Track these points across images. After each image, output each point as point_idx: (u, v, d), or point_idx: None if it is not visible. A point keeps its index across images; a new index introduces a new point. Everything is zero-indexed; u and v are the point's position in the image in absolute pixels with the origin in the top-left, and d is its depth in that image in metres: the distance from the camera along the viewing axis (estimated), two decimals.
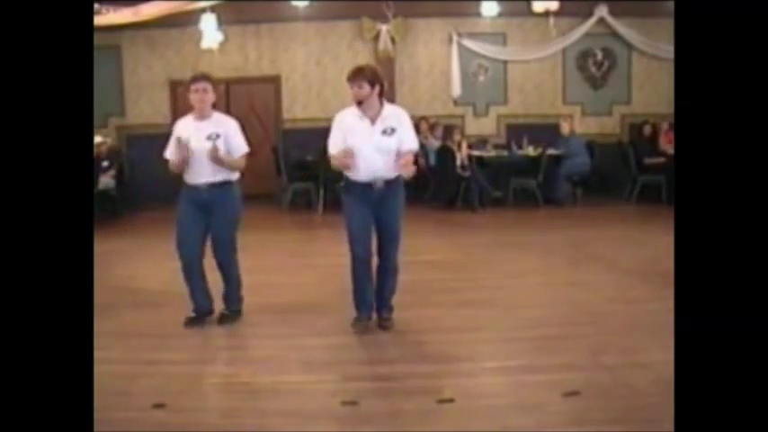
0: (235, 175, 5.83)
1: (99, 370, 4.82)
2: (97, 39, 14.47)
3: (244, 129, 5.89)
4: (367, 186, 5.38)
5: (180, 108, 13.86)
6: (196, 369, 4.89)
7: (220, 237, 5.76)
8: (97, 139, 12.47)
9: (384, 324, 5.61)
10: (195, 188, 5.69)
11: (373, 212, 5.43)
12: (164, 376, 4.73)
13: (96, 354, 5.15)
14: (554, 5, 11.54)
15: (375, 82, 5.32)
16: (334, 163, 5.46)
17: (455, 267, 7.91)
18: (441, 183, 12.40)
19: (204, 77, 5.73)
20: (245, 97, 13.93)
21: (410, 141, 5.46)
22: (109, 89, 13.75)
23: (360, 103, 5.32)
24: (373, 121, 5.35)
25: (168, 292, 6.58)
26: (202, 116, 5.69)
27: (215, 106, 5.79)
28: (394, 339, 5.39)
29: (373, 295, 5.61)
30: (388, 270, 5.58)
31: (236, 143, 5.78)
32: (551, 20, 12.39)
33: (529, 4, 11.78)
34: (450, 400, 4.19)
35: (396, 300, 5.70)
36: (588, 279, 7.04)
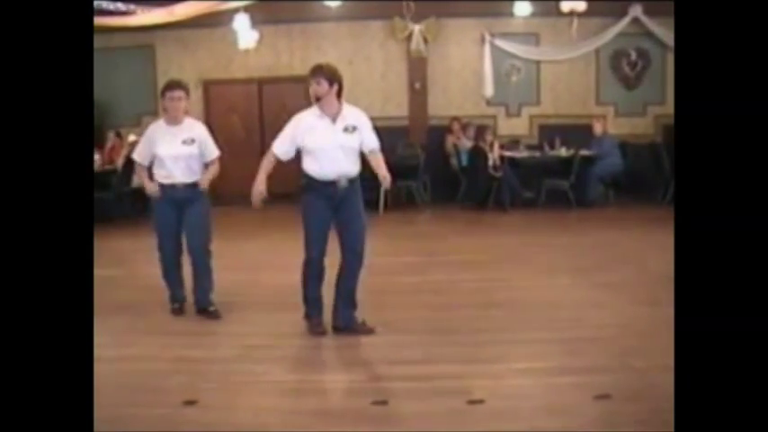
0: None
1: (131, 367, 4.91)
2: (131, 39, 14.70)
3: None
4: (330, 185, 5.35)
5: (212, 107, 13.99)
6: (227, 367, 4.92)
7: (196, 233, 6.01)
8: (131, 137, 12.60)
9: (362, 327, 5.52)
10: (171, 187, 5.97)
11: (335, 212, 5.40)
12: (195, 374, 4.76)
13: (128, 351, 5.26)
14: (580, 6, 11.46)
15: (333, 80, 5.34)
16: (259, 178, 5.52)
17: (485, 268, 7.89)
18: (472, 183, 12.38)
19: (180, 86, 6.04)
20: (276, 97, 13.99)
21: (372, 141, 5.50)
22: (142, 88, 13.90)
23: (318, 99, 5.33)
24: (334, 119, 5.35)
25: None
26: (176, 122, 5.99)
27: (186, 112, 6.07)
28: (423, 339, 5.38)
29: (321, 296, 5.57)
30: (351, 271, 5.46)
31: (209, 147, 6.10)
32: (575, 21, 12.31)
33: (559, 5, 11.72)
34: (481, 401, 4.18)
35: (426, 300, 5.69)
36: (619, 281, 6.97)
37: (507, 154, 12.45)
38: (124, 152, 12.15)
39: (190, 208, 5.96)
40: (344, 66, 13.77)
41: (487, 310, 6.13)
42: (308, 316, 5.58)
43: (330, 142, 5.30)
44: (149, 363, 4.99)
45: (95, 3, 10.00)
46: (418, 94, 13.72)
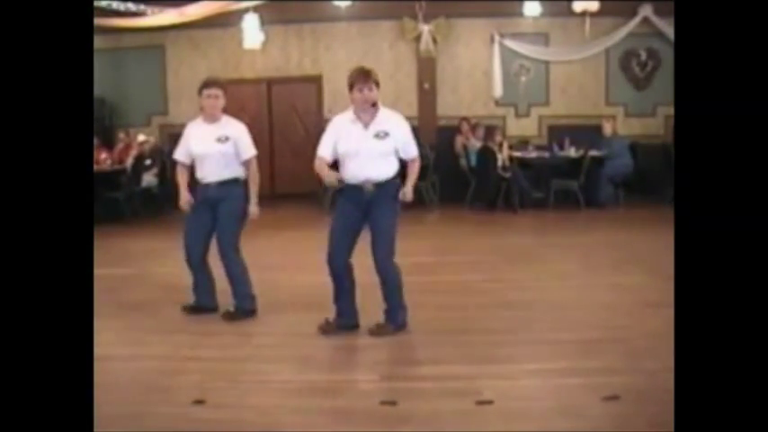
0: (242, 174, 6.01)
1: (140, 366, 4.92)
2: (142, 39, 14.76)
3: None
4: (357, 189, 5.34)
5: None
6: (236, 366, 4.93)
7: (223, 232, 5.92)
8: (140, 137, 12.66)
9: (374, 330, 5.46)
10: (205, 186, 5.94)
11: (364, 216, 5.39)
12: (204, 373, 4.77)
13: (138, 350, 5.27)
14: (593, 6, 11.44)
15: (378, 84, 5.34)
16: (317, 169, 5.42)
17: (495, 268, 7.89)
18: (481, 183, 12.37)
19: (216, 84, 6.02)
20: (286, 97, 14.03)
21: (407, 150, 5.47)
22: (152, 88, 13.97)
23: (374, 105, 5.30)
24: (367, 125, 5.33)
25: None
26: (213, 120, 5.97)
27: (224, 110, 6.03)
28: (433, 340, 5.38)
29: (348, 300, 5.54)
30: (381, 277, 5.45)
31: (245, 145, 6.01)
32: (587, 21, 12.28)
33: (570, 5, 11.70)
34: (490, 402, 4.17)
35: (435, 300, 5.67)
36: (629, 282, 6.97)
37: (516, 154, 12.45)
38: (134, 152, 12.20)
39: (219, 211, 5.88)
40: (353, 66, 13.82)
41: (497, 311, 6.12)
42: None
43: (358, 148, 5.29)
44: (160, 362, 5.01)
45: (105, 3, 10.03)
46: (427, 95, 13.73)
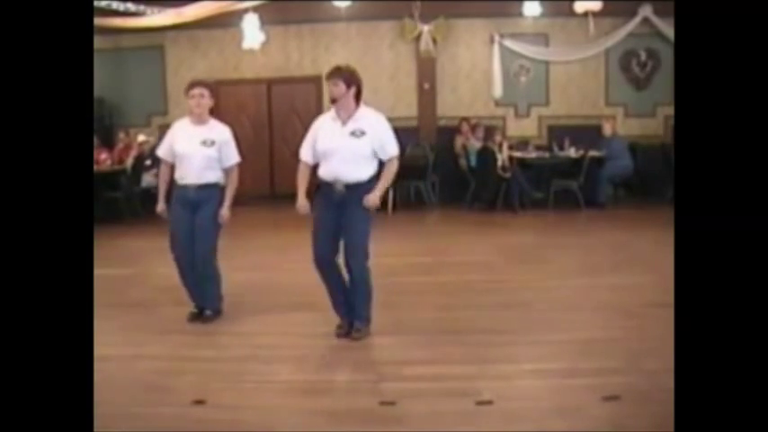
0: (222, 179, 5.96)
1: (140, 366, 4.92)
2: (141, 39, 14.75)
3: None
4: (330, 186, 5.33)
5: (221, 108, 14.00)
6: (236, 366, 4.93)
7: (205, 236, 5.85)
8: (140, 137, 12.66)
9: (353, 335, 5.41)
10: (184, 188, 5.88)
11: (338, 215, 5.32)
12: (204, 373, 4.78)
13: (137, 350, 5.28)
14: (595, 6, 11.43)
15: (351, 83, 5.33)
16: (298, 180, 5.45)
17: (495, 268, 7.89)
18: (481, 184, 12.37)
19: (202, 83, 5.99)
20: (286, 97, 14.02)
21: (385, 150, 5.37)
22: (152, 89, 13.96)
23: (334, 101, 5.31)
24: (344, 122, 5.32)
25: None
26: (200, 121, 5.91)
27: (212, 112, 5.99)
28: (432, 340, 5.38)
29: (343, 298, 5.50)
30: (352, 280, 5.39)
31: (229, 151, 5.96)
32: (591, 21, 12.28)
33: (571, 5, 11.70)
34: (489, 402, 4.17)
35: (435, 300, 5.67)
36: (629, 282, 6.96)
37: (516, 155, 12.45)
38: (134, 152, 12.21)
39: (199, 213, 5.82)
40: (354, 66, 13.83)
41: (497, 311, 6.12)
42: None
43: (335, 145, 5.28)
44: (159, 362, 5.01)
45: (105, 3, 10.03)
46: (427, 95, 13.72)
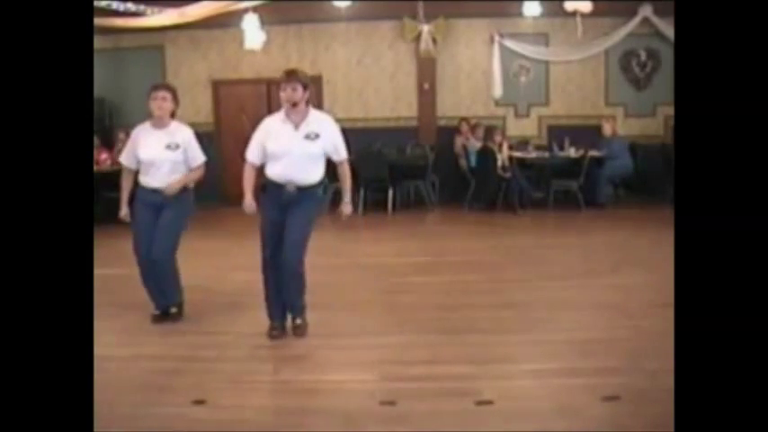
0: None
1: (141, 366, 4.93)
2: (141, 39, 14.74)
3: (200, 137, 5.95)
4: (279, 188, 5.35)
5: (221, 107, 14.03)
6: (236, 366, 4.94)
7: (168, 235, 5.84)
8: None
9: (296, 330, 5.51)
10: (150, 191, 5.85)
11: (284, 214, 5.37)
12: (204, 373, 4.78)
13: (138, 350, 5.28)
14: (585, 6, 11.42)
15: (307, 86, 5.35)
16: (244, 180, 5.47)
17: (495, 269, 7.89)
18: (481, 184, 12.36)
19: (164, 86, 6.01)
20: None
21: (337, 152, 5.50)
22: None
23: (294, 105, 5.31)
24: (297, 125, 5.34)
25: (208, 290, 6.75)
26: (161, 124, 5.90)
27: (173, 115, 5.96)
28: (433, 340, 5.38)
29: (281, 298, 5.55)
30: (288, 274, 5.43)
31: (194, 153, 5.94)
32: (579, 20, 12.27)
33: (563, 4, 11.69)
34: (489, 402, 4.17)
35: (435, 300, 5.66)
36: (629, 282, 6.97)
37: (516, 155, 12.45)
38: None
39: (167, 210, 5.81)
40: (354, 66, 13.87)
41: (497, 311, 6.12)
42: (269, 317, 5.59)
43: (288, 148, 5.31)
44: (159, 362, 5.01)
45: (105, 3, 10.03)
46: (427, 95, 13.71)
